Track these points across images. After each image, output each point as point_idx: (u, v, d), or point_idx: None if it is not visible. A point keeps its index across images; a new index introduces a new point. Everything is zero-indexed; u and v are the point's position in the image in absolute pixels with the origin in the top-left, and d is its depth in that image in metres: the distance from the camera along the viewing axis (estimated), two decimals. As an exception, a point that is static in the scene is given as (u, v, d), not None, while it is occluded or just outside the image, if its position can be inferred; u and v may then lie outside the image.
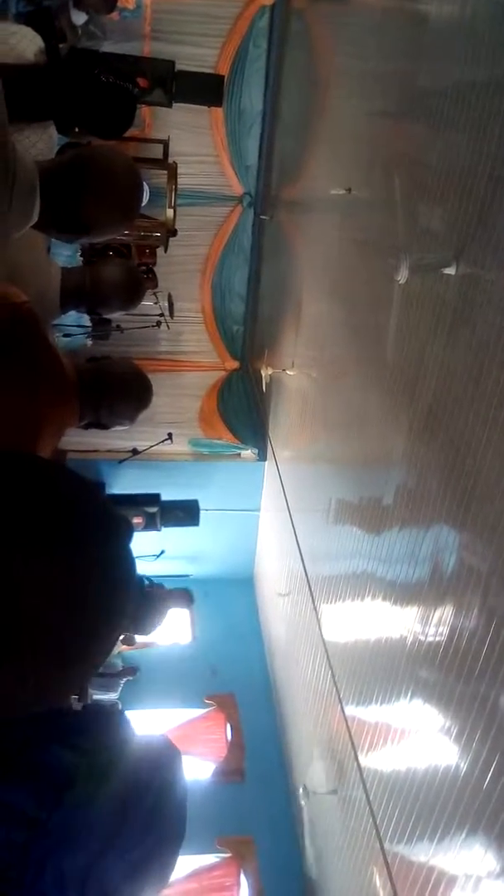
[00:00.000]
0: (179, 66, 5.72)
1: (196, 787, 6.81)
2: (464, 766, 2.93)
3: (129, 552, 0.79)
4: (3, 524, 0.68)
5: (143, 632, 5.10)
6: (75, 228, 1.56)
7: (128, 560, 0.79)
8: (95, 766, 0.80)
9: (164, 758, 0.90)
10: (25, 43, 1.94)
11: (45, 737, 0.79)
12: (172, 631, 8.57)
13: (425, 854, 3.30)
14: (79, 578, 0.70)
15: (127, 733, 0.89)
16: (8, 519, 0.68)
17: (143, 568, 6.93)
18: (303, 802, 5.51)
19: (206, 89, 6.17)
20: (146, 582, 6.18)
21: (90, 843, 0.77)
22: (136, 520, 7.46)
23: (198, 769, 7.15)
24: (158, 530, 7.67)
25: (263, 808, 6.58)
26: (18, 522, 0.69)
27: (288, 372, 6.62)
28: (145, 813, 0.81)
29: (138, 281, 2.57)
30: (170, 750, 0.91)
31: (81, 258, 6.05)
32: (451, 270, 3.08)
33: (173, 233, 6.64)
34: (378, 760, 4.06)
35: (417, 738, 3.46)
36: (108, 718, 0.92)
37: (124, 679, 7.24)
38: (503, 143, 2.75)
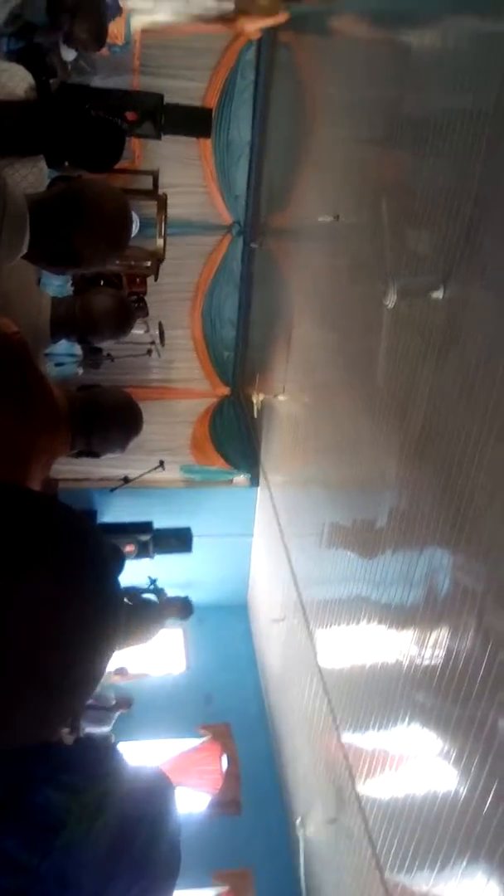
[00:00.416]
0: (168, 100, 5.80)
1: (192, 820, 6.70)
2: (463, 792, 2.89)
3: (115, 576, 0.79)
4: None
5: (138, 642, 5.05)
6: (65, 261, 1.58)
7: (115, 583, 0.78)
8: (87, 806, 0.78)
9: (157, 790, 0.88)
10: (16, 80, 1.97)
11: (33, 777, 0.78)
12: (166, 660, 8.48)
13: (426, 883, 3.25)
14: (66, 602, 0.70)
15: (118, 768, 0.88)
16: None
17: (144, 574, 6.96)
18: (300, 833, 5.42)
19: (195, 121, 6.27)
20: (151, 584, 6.15)
21: (86, 884, 0.75)
22: (129, 548, 7.42)
23: (193, 801, 7.04)
24: (151, 558, 7.63)
25: (261, 839, 6.47)
26: (4, 546, 0.68)
27: (279, 397, 6.65)
28: (139, 850, 0.80)
29: (128, 309, 2.59)
30: (162, 782, 0.90)
31: (72, 287, 6.09)
32: (438, 294, 3.12)
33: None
34: (376, 788, 4.00)
35: (416, 765, 3.42)
36: (97, 753, 0.90)
37: (118, 712, 7.13)
38: (487, 168, 2.80)
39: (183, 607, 6.49)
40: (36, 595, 0.68)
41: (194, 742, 7.45)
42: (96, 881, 0.75)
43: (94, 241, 1.58)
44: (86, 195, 1.56)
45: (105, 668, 0.75)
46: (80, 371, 6.75)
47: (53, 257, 1.56)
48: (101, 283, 6.29)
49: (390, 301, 3.37)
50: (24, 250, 1.45)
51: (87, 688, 0.74)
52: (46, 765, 0.80)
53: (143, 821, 0.82)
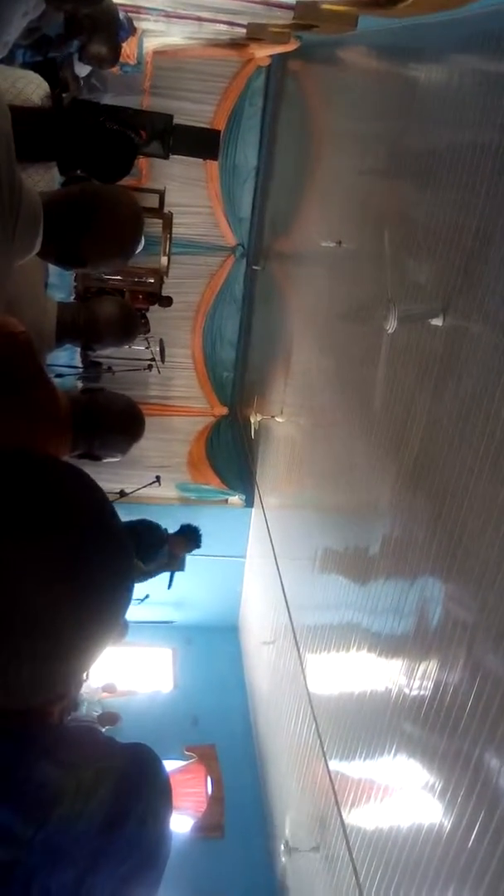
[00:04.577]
0: (177, 121, 5.87)
1: (174, 843, 6.60)
2: (448, 825, 2.86)
3: (128, 546, 0.79)
4: None
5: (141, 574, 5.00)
6: (72, 262, 1.61)
7: (128, 553, 0.79)
8: (82, 782, 0.79)
9: (150, 772, 0.89)
10: (32, 87, 2.00)
11: (29, 753, 0.78)
12: (154, 678, 8.42)
13: (409, 916, 3.20)
14: (80, 566, 0.70)
15: (113, 748, 0.89)
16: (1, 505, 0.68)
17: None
18: (284, 859, 5.35)
19: (203, 143, 6.33)
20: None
21: (78, 859, 0.75)
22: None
23: (176, 824, 6.95)
24: (137, 578, 7.59)
25: (243, 865, 6.38)
26: (11, 508, 0.69)
27: (277, 419, 6.66)
28: (131, 828, 0.80)
29: (133, 317, 2.60)
30: (155, 763, 0.90)
31: (76, 301, 6.12)
32: (438, 321, 3.14)
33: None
34: (362, 817, 3.96)
35: (402, 795, 3.39)
36: (93, 734, 0.92)
37: (104, 728, 7.06)
38: (489, 202, 2.83)
39: (189, 538, 6.26)
40: (52, 558, 0.69)
41: (179, 764, 7.37)
42: (88, 856, 0.76)
43: (103, 248, 1.60)
44: (102, 201, 1.57)
45: (110, 636, 0.75)
46: (80, 384, 6.77)
47: (61, 257, 1.59)
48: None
49: (390, 326, 3.39)
50: (37, 249, 1.47)
51: (93, 651, 0.74)
52: (43, 743, 0.80)
53: (137, 800, 0.82)
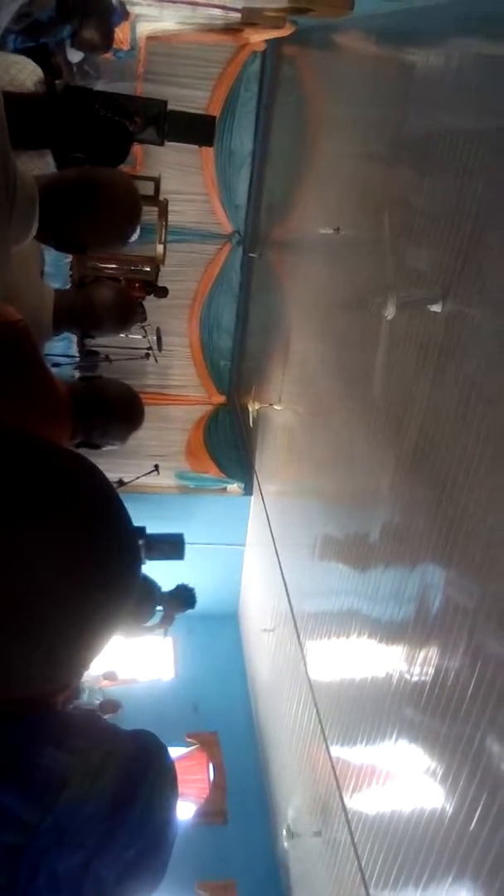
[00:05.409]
0: (171, 107, 5.82)
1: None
2: (450, 809, 2.88)
3: (132, 529, 0.78)
4: (3, 496, 0.67)
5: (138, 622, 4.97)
6: (72, 248, 1.60)
7: (133, 538, 0.78)
8: (89, 765, 0.79)
9: (155, 756, 0.89)
10: (26, 73, 1.97)
11: (37, 740, 0.78)
12: (154, 666, 8.45)
13: (411, 899, 3.23)
14: (93, 544, 0.69)
15: (116, 732, 0.89)
16: (8, 491, 0.67)
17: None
18: (286, 844, 5.39)
19: (198, 129, 6.28)
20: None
21: (85, 842, 0.75)
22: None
23: (179, 810, 6.99)
24: (143, 563, 7.59)
25: (246, 850, 6.43)
26: (18, 494, 0.67)
27: (275, 407, 6.65)
28: (139, 812, 0.80)
29: (130, 302, 2.59)
30: (158, 747, 0.90)
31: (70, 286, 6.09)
32: (437, 308, 3.13)
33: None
34: (363, 802, 3.99)
35: (403, 780, 3.41)
36: (98, 719, 0.92)
37: (105, 716, 7.09)
38: (488, 187, 2.81)
39: (184, 599, 6.15)
40: (65, 536, 0.67)
41: (181, 751, 7.41)
42: (96, 839, 0.76)
43: (102, 232, 1.59)
44: (100, 184, 1.56)
45: (117, 628, 0.74)
46: (77, 374, 6.75)
47: (60, 241, 1.58)
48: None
49: (389, 313, 3.38)
50: (34, 233, 1.46)
51: (100, 643, 0.73)
52: (50, 729, 0.80)
53: (143, 784, 0.83)
